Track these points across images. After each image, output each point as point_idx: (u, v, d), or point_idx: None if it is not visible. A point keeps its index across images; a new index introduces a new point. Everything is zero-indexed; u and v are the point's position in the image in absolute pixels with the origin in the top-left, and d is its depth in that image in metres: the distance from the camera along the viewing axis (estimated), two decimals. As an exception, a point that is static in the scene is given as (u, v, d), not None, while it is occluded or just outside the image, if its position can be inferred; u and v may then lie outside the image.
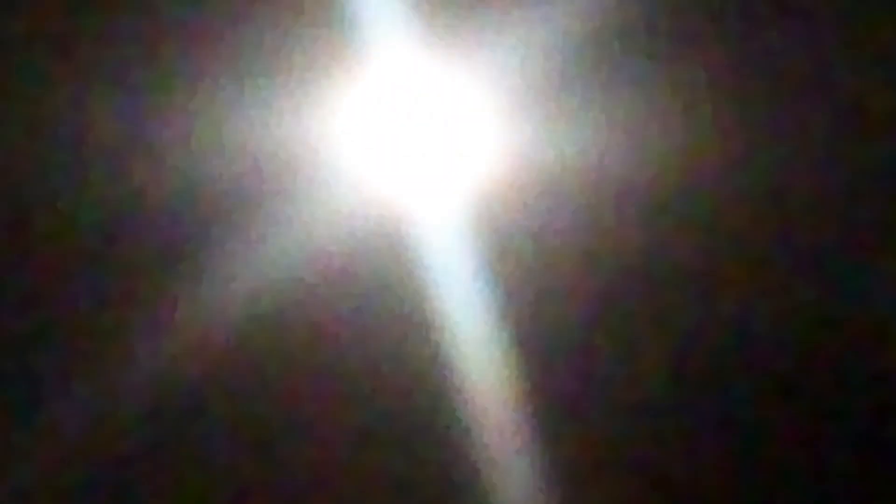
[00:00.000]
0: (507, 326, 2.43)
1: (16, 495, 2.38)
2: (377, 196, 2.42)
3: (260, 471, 2.43)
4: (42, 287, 2.44)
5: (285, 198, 2.38)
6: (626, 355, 2.49)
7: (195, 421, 2.41)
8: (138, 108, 2.40)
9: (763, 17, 2.51)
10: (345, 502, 2.43)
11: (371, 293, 2.41)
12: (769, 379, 2.51)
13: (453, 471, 2.41)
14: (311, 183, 2.39)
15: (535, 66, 2.42)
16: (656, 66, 2.47)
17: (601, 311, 2.48)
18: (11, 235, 2.45)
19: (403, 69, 2.39)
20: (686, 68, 2.47)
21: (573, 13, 2.40)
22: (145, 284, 2.41)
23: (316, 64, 2.38)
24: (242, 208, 2.38)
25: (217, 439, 2.42)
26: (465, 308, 2.42)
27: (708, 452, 2.49)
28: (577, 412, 2.47)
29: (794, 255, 2.50)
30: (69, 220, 2.42)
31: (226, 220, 2.38)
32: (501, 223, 2.44)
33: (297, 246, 2.38)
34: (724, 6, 2.51)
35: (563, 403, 2.47)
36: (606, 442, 2.47)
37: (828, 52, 2.50)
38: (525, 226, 2.45)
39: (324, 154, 2.39)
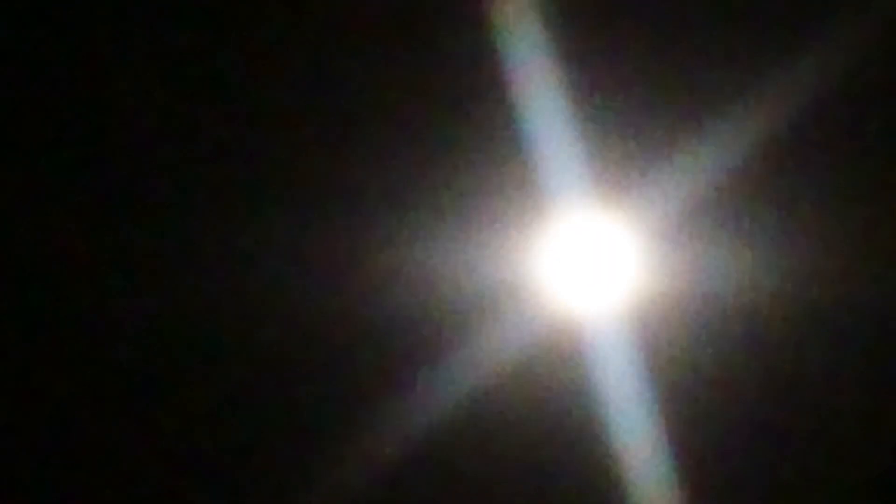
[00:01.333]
0: (662, 424, 2.69)
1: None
2: (556, 314, 2.70)
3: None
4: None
5: (479, 319, 2.67)
6: (768, 454, 2.72)
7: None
8: (339, 239, 2.69)
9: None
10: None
11: (548, 396, 2.69)
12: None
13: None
14: (499, 307, 2.67)
15: (695, 194, 2.67)
16: (810, 194, 2.70)
17: (745, 416, 2.71)
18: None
19: (580, 204, 2.67)
20: (839, 196, 2.70)
21: (724, 150, 2.66)
22: (354, 397, 2.70)
23: (504, 204, 2.68)
24: (444, 327, 2.68)
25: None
26: (626, 409, 2.69)
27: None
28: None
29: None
30: (279, 340, 2.71)
31: (431, 339, 2.68)
32: (660, 337, 2.69)
33: (490, 358, 2.67)
34: (865, 132, 2.73)
35: (714, 497, 2.70)
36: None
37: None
38: (680, 338, 2.70)
39: (511, 281, 2.67)
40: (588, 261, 2.68)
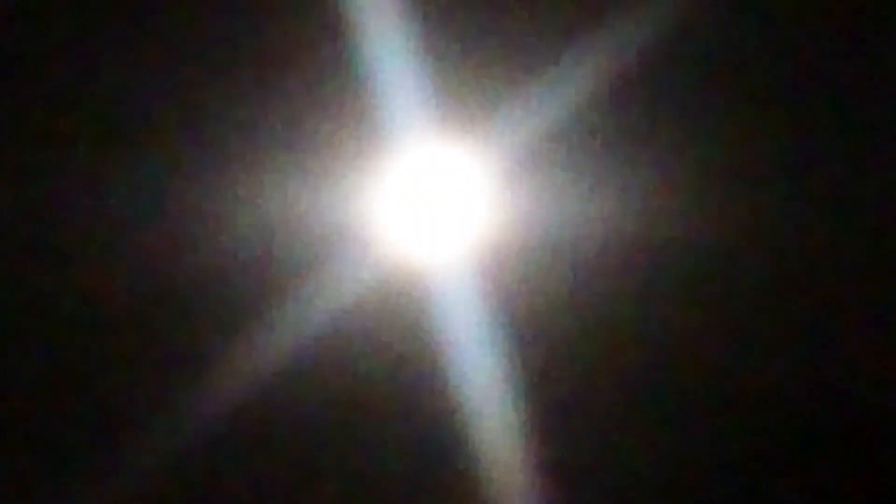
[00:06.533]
0: (514, 371, 2.66)
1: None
2: (398, 257, 2.66)
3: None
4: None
5: (318, 261, 2.60)
6: (627, 403, 2.70)
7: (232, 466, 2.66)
8: (171, 181, 2.62)
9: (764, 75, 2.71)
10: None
11: (392, 345, 2.65)
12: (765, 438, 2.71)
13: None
14: (339, 248, 2.62)
15: (543, 132, 2.64)
16: (659, 129, 2.68)
17: (599, 358, 2.69)
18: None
19: (423, 143, 2.63)
20: (688, 131, 2.68)
21: (579, 82, 2.63)
22: (186, 343, 2.63)
23: (342, 138, 2.62)
24: (278, 271, 2.61)
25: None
26: (475, 356, 2.66)
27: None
28: (581, 458, 2.68)
29: (798, 320, 2.70)
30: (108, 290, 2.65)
31: (264, 283, 2.61)
32: (509, 278, 2.66)
33: (329, 303, 2.63)
34: (727, 67, 2.71)
35: (568, 447, 2.68)
36: (612, 489, 2.68)
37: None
38: (530, 282, 2.67)
39: (350, 221, 2.63)
40: (431, 198, 2.67)
